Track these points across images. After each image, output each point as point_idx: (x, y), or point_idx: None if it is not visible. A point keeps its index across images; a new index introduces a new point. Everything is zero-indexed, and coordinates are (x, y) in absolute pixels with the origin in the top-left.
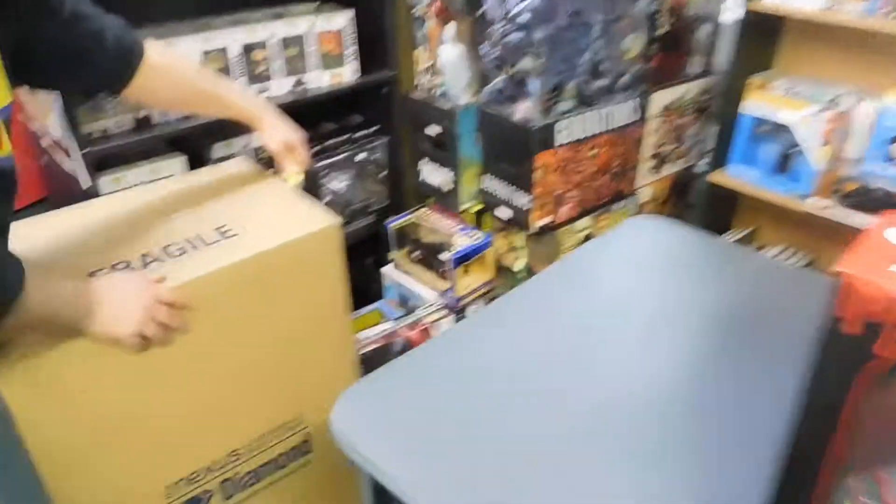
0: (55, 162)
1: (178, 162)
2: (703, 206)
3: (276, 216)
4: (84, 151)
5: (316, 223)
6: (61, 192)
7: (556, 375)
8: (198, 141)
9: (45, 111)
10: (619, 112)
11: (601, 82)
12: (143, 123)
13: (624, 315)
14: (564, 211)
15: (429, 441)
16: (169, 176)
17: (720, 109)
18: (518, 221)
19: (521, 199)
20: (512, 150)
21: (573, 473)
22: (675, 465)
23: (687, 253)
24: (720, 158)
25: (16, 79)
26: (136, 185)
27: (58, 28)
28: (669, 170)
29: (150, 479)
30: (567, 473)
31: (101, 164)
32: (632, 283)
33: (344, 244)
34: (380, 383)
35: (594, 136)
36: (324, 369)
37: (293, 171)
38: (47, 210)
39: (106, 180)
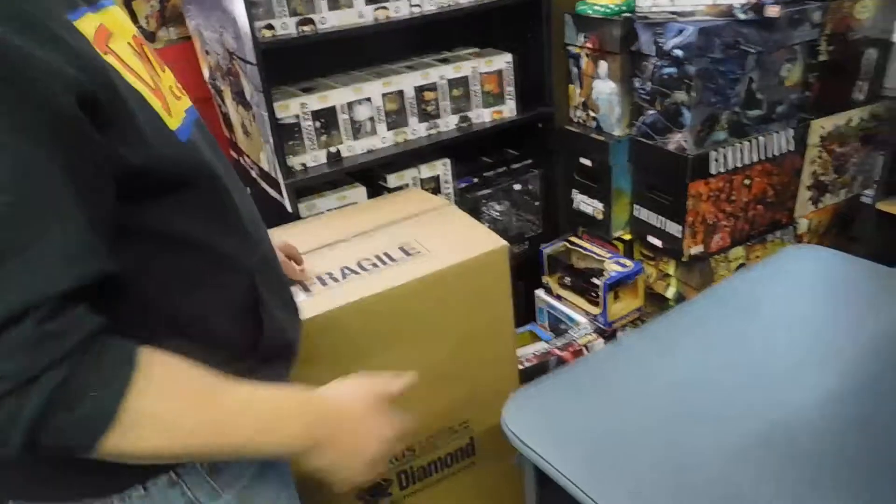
0: (263, 190)
1: (360, 191)
2: (869, 237)
3: (450, 237)
4: (287, 182)
5: (487, 244)
6: (267, 217)
7: (715, 395)
8: (376, 172)
9: (257, 149)
10: (775, 141)
11: (757, 112)
12: (333, 157)
13: (786, 339)
14: (717, 240)
15: (592, 440)
16: (352, 203)
17: (890, 136)
18: (670, 250)
19: (674, 228)
20: (665, 180)
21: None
22: (838, 492)
23: (850, 281)
24: (889, 187)
25: None
26: (326, 211)
27: None
28: (830, 200)
29: None
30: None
31: (298, 193)
32: (791, 308)
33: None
34: (545, 389)
35: (749, 165)
36: (490, 379)
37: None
38: None
39: (302, 206)
